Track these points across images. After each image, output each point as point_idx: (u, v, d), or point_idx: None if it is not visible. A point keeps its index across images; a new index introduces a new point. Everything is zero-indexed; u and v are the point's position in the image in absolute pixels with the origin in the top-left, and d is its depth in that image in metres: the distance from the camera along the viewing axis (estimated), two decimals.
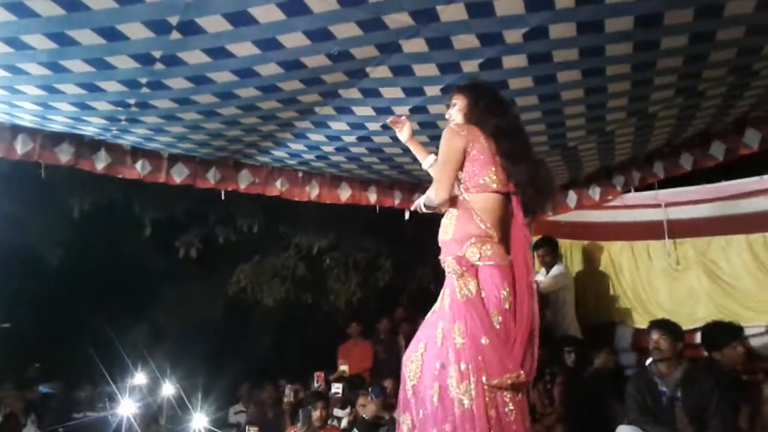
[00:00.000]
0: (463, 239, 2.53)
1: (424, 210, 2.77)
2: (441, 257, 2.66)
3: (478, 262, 2.46)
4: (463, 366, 2.33)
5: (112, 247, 8.83)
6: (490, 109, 2.76)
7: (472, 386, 2.29)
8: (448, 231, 2.61)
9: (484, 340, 2.34)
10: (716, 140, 5.10)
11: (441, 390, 2.35)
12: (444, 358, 2.39)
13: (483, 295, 2.41)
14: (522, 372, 2.36)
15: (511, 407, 2.34)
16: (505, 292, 2.41)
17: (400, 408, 2.55)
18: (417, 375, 2.49)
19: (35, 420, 6.06)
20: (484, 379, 2.31)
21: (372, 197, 6.06)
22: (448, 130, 2.71)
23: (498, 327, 2.36)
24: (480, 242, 2.49)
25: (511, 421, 2.33)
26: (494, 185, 2.58)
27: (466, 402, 2.28)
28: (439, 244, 2.67)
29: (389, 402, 5.91)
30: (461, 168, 2.66)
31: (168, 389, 7.69)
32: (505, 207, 2.61)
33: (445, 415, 2.31)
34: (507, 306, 2.41)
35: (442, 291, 2.64)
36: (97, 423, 6.67)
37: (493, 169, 2.60)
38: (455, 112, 2.89)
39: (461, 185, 2.65)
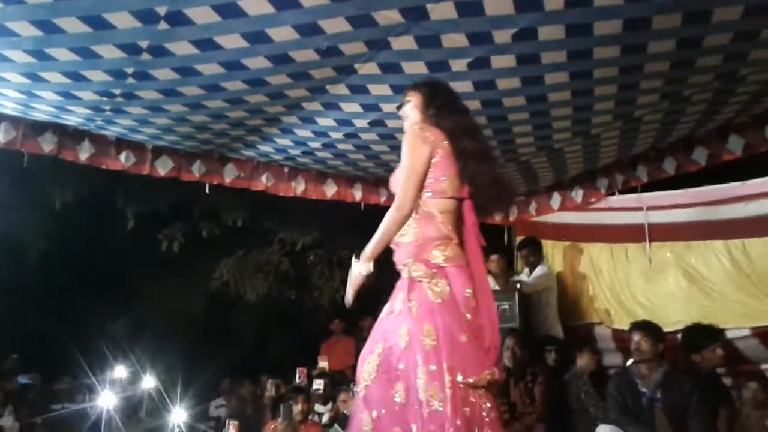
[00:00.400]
0: (426, 242, 2.51)
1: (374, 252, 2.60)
2: (397, 260, 2.62)
3: (444, 264, 2.46)
4: (433, 367, 2.29)
5: (94, 240, 8.75)
6: (447, 106, 2.68)
7: (446, 386, 2.26)
8: (406, 234, 2.56)
9: (463, 338, 2.33)
10: (699, 146, 5.14)
11: (407, 391, 2.32)
12: (410, 360, 2.35)
13: (414, 312, 2.40)
14: (496, 370, 2.37)
15: (489, 406, 2.32)
16: (469, 292, 2.42)
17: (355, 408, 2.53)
18: (372, 376, 2.46)
19: (12, 411, 5.99)
20: (459, 378, 2.28)
21: (357, 194, 6.05)
22: (414, 134, 2.58)
23: (431, 341, 2.33)
24: (443, 245, 2.49)
25: (488, 421, 2.31)
26: (450, 191, 2.55)
27: (435, 404, 2.24)
28: (393, 247, 2.62)
29: None
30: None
31: (148, 382, 7.66)
32: (459, 210, 2.59)
33: (412, 416, 2.28)
34: (473, 305, 2.42)
35: (396, 294, 2.60)
36: (77, 415, 6.63)
37: (450, 175, 2.54)
38: (410, 109, 2.76)
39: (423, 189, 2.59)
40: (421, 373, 2.28)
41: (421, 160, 2.50)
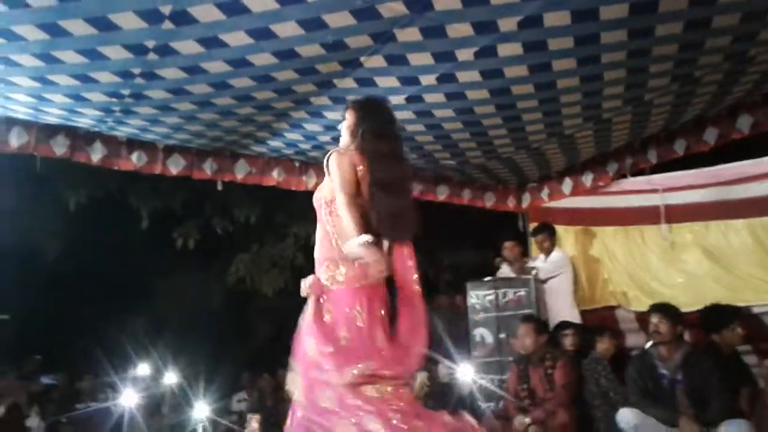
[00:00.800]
0: (321, 261, 2.63)
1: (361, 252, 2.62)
2: None
3: (328, 284, 2.57)
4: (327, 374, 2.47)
5: (110, 240, 8.83)
6: (374, 130, 2.69)
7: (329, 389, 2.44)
8: (316, 250, 2.70)
9: (328, 349, 2.48)
10: (710, 126, 5.11)
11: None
12: (314, 367, 2.53)
13: (327, 318, 2.55)
14: (365, 365, 2.43)
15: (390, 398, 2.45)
16: (356, 311, 2.52)
17: None
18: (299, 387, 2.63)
19: (38, 411, 6.09)
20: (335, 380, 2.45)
21: None
22: (336, 159, 2.64)
23: (344, 343, 2.49)
24: (334, 265, 2.58)
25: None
26: (354, 193, 2.61)
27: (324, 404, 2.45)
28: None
29: None
30: (326, 191, 2.70)
31: (170, 379, 7.73)
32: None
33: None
34: (360, 324, 2.51)
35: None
36: (100, 413, 6.71)
37: (361, 197, 2.61)
38: (343, 128, 2.83)
39: (328, 208, 2.68)
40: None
41: (350, 182, 2.60)
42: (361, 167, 2.63)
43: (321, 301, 2.58)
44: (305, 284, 2.62)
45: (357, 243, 2.49)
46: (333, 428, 2.40)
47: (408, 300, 2.66)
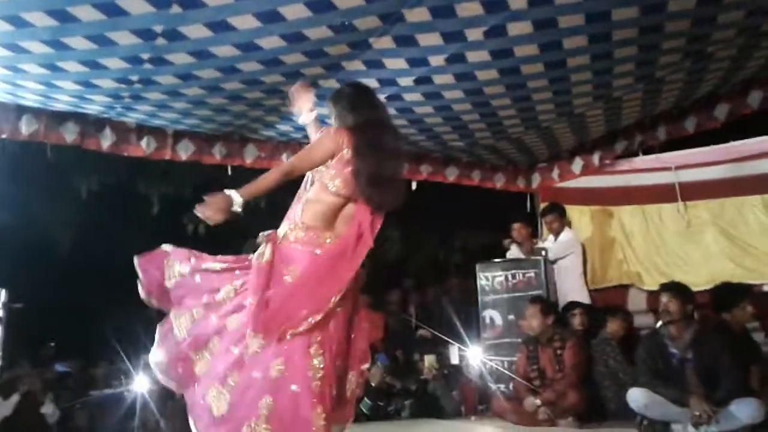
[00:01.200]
0: (286, 218, 2.72)
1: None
2: None
3: (280, 240, 2.63)
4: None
5: (121, 226, 8.87)
6: (347, 109, 2.72)
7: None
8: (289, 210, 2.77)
9: (249, 300, 2.53)
10: (722, 102, 5.07)
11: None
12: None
13: (271, 266, 2.58)
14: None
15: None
16: (291, 268, 2.56)
17: None
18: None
19: (53, 398, 6.13)
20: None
21: None
22: (329, 133, 2.66)
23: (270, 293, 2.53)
24: (293, 226, 2.65)
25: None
26: (333, 188, 2.62)
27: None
28: None
29: (400, 370, 5.99)
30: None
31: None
32: (341, 206, 2.66)
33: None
34: (289, 280, 2.56)
35: None
36: (114, 399, 6.76)
37: (342, 174, 2.60)
38: (332, 113, 2.83)
39: (312, 176, 2.72)
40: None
41: (325, 153, 2.61)
42: (346, 150, 2.60)
43: (273, 249, 2.61)
44: (263, 234, 2.67)
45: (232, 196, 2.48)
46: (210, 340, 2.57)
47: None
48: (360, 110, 2.71)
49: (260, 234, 2.67)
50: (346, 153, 2.59)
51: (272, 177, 2.57)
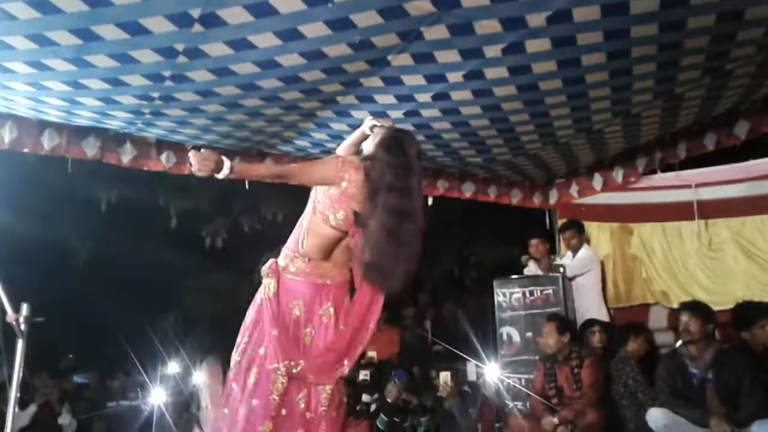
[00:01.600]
0: (287, 246, 2.77)
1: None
2: None
3: (282, 271, 2.71)
4: (250, 351, 2.68)
5: (139, 239, 8.94)
6: (392, 156, 2.58)
7: (254, 368, 2.63)
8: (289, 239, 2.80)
9: (273, 332, 2.62)
10: (742, 119, 5.03)
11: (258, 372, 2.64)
12: (258, 344, 2.69)
13: (279, 297, 2.67)
14: (303, 362, 2.58)
15: (302, 397, 2.62)
16: (295, 302, 2.65)
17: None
18: (241, 350, 2.76)
19: (69, 409, 6.19)
20: (268, 365, 2.62)
21: None
22: (334, 159, 2.67)
23: (287, 325, 2.64)
24: (293, 256, 2.71)
25: (302, 410, 2.61)
26: (333, 222, 2.63)
27: (250, 380, 2.62)
28: None
29: (416, 386, 5.96)
30: (320, 190, 2.70)
31: (199, 378, 7.80)
32: (339, 239, 2.69)
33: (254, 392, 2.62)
34: (296, 314, 2.65)
35: None
36: (131, 411, 6.79)
37: (344, 210, 2.61)
38: (369, 145, 2.72)
39: (313, 205, 2.71)
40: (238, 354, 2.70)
41: (323, 174, 2.61)
42: (352, 184, 2.57)
43: (278, 283, 2.68)
44: (265, 267, 2.74)
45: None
46: (234, 402, 2.63)
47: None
48: (393, 172, 2.55)
49: (263, 267, 2.73)
50: (350, 188, 2.57)
51: (267, 170, 2.76)
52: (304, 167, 2.69)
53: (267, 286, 2.69)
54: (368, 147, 2.72)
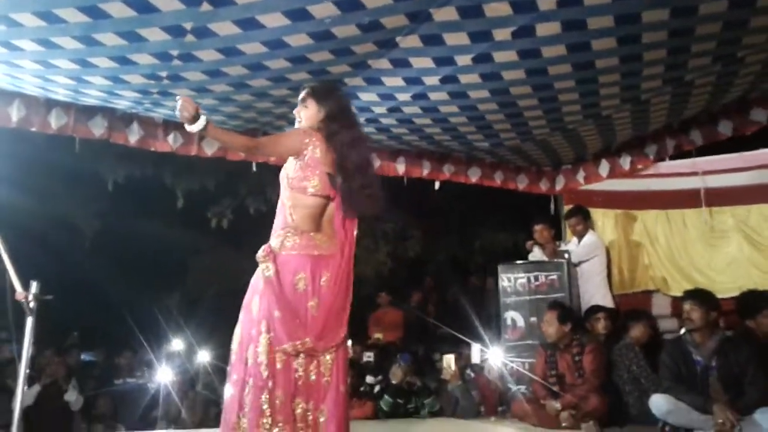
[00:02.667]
0: (274, 231, 2.84)
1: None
2: None
3: (278, 250, 2.76)
4: (253, 332, 2.71)
5: (146, 219, 8.98)
6: (336, 119, 2.85)
7: (266, 350, 2.66)
8: (275, 221, 2.89)
9: (276, 313, 2.67)
10: (756, 107, 4.98)
11: (254, 353, 2.69)
12: (257, 326, 2.72)
13: (279, 277, 2.72)
14: (309, 338, 2.66)
15: (301, 373, 2.68)
16: (299, 276, 2.71)
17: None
18: (238, 339, 2.80)
19: (76, 385, 6.24)
20: (269, 342, 2.67)
21: (401, 168, 6.04)
22: (296, 129, 2.85)
23: (291, 303, 2.69)
24: (285, 233, 2.78)
25: (306, 382, 2.68)
26: (312, 190, 2.76)
27: (250, 360, 2.67)
28: None
29: (420, 369, 5.99)
30: (290, 167, 2.83)
31: (204, 356, 7.86)
32: (323, 206, 2.82)
33: (255, 374, 2.66)
34: (302, 287, 2.71)
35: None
36: (137, 389, 6.86)
37: (318, 175, 2.75)
38: (303, 114, 2.92)
39: (288, 182, 2.82)
40: (261, 339, 2.70)
41: (289, 147, 2.78)
42: (318, 150, 2.76)
43: (275, 264, 2.74)
44: (259, 253, 2.78)
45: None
46: (240, 385, 2.66)
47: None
48: (347, 126, 2.85)
49: (258, 254, 2.78)
50: (316, 152, 2.74)
51: (238, 139, 2.85)
52: (270, 139, 2.87)
53: (265, 270, 2.75)
54: (311, 112, 2.88)
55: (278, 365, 2.63)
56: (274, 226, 2.85)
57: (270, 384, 2.61)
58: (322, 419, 2.66)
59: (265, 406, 2.59)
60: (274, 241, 2.79)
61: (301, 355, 2.67)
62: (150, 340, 7.59)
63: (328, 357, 2.72)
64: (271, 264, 2.73)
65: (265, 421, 2.59)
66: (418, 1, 3.22)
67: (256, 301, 2.76)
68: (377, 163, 5.64)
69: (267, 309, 2.69)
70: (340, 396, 2.71)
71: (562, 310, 5.05)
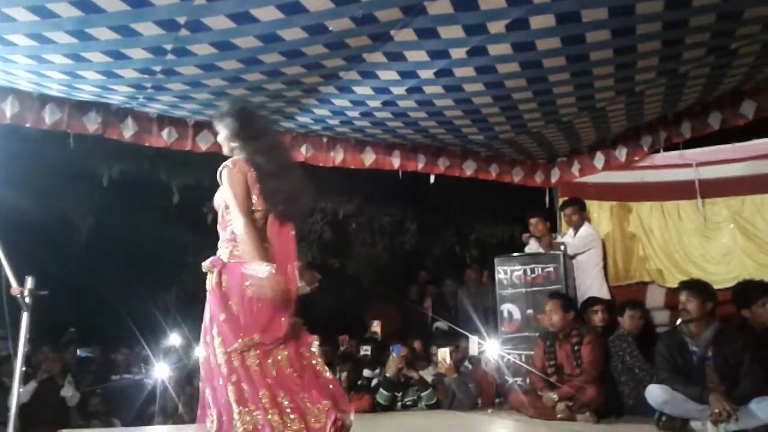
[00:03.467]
0: (222, 241, 2.95)
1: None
2: None
3: (225, 259, 2.88)
4: (207, 338, 2.86)
5: (142, 214, 8.95)
6: (247, 135, 2.95)
7: (221, 352, 2.79)
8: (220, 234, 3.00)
9: (221, 317, 2.80)
10: (748, 98, 4.99)
11: (214, 357, 2.83)
12: (209, 332, 2.87)
13: (224, 285, 2.85)
14: (256, 335, 2.76)
15: (256, 367, 2.77)
16: (248, 283, 2.79)
17: None
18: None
19: (72, 381, 6.23)
20: (226, 347, 2.79)
21: (396, 162, 6.04)
22: (227, 172, 2.90)
23: (235, 309, 2.81)
24: (230, 244, 2.89)
25: (274, 377, 2.77)
26: (253, 207, 2.88)
27: (222, 366, 2.77)
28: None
29: (417, 362, 6.00)
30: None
31: (200, 352, 7.87)
32: (264, 218, 2.93)
33: (218, 375, 2.80)
34: (250, 292, 2.79)
35: None
36: (134, 385, 6.85)
37: (254, 196, 2.88)
38: (221, 141, 3.05)
39: (226, 212, 2.94)
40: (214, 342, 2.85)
41: (241, 190, 2.86)
42: (250, 172, 2.88)
43: (221, 273, 2.86)
44: (206, 262, 2.92)
45: (260, 272, 2.71)
46: (215, 384, 2.79)
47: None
48: (252, 141, 2.93)
49: (204, 264, 2.92)
50: (249, 177, 2.87)
51: (252, 237, 2.81)
52: (239, 202, 2.84)
53: (209, 280, 2.90)
54: (221, 137, 3.02)
55: (235, 363, 2.74)
56: (221, 239, 2.96)
57: (234, 378, 2.72)
58: (308, 404, 2.74)
59: (233, 398, 2.70)
60: (224, 252, 2.90)
61: (253, 350, 2.76)
62: (146, 336, 7.59)
63: (285, 352, 2.81)
64: (215, 275, 2.86)
65: (237, 411, 2.69)
66: None
67: (207, 309, 2.91)
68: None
69: (215, 315, 2.83)
70: (321, 379, 2.85)
71: (565, 299, 5.09)
